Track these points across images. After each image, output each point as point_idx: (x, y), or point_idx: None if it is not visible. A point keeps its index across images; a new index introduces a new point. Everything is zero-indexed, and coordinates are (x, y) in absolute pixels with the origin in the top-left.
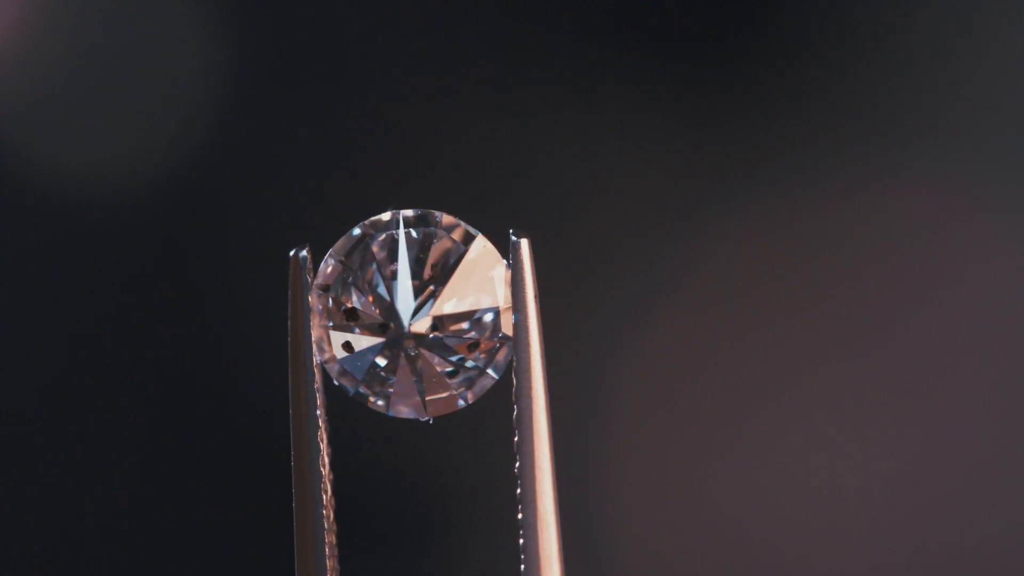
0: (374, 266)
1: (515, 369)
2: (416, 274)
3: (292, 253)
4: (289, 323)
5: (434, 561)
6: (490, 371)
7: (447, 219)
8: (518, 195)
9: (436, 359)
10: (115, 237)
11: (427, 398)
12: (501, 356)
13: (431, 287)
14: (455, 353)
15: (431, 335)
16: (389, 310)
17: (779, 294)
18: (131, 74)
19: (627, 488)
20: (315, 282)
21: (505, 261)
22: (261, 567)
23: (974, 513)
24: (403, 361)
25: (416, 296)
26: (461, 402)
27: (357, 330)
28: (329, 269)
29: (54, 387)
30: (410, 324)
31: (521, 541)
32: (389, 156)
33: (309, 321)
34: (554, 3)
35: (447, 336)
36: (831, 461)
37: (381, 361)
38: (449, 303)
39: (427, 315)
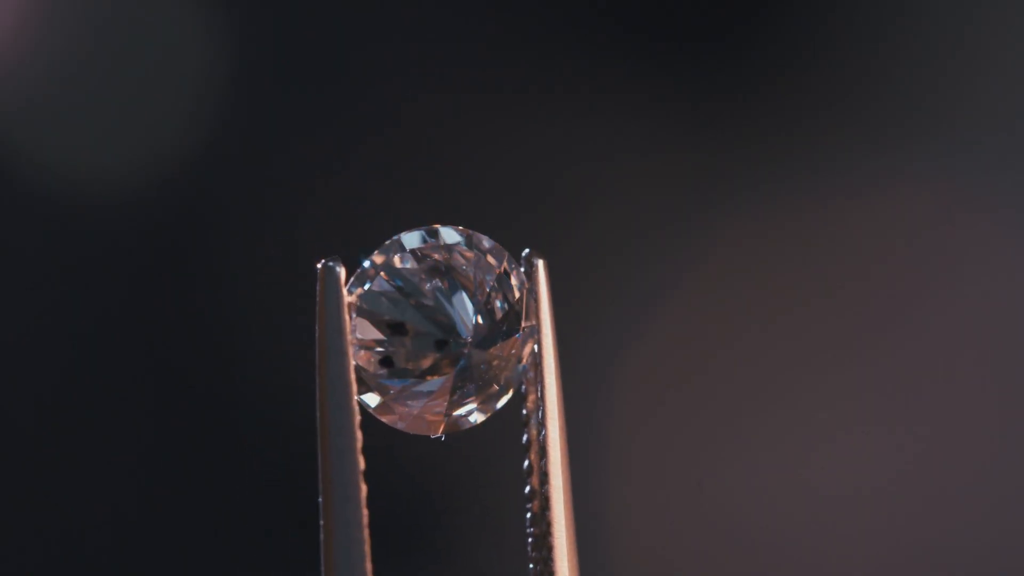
0: (426, 281)
1: (540, 390)
2: (471, 291)
3: (322, 264)
4: (321, 338)
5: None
6: (507, 390)
7: (485, 239)
8: (517, 196)
9: (479, 377)
10: (115, 237)
11: (452, 414)
12: (513, 376)
13: (486, 306)
14: (494, 372)
15: (483, 353)
16: (446, 326)
17: (779, 294)
18: (131, 74)
19: (627, 488)
20: (351, 294)
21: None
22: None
23: (974, 513)
24: (452, 377)
25: (474, 313)
26: (478, 418)
27: (403, 346)
28: (367, 283)
29: (54, 387)
30: (470, 341)
31: (533, 553)
32: (390, 157)
33: (346, 336)
34: (554, 3)
35: (495, 355)
36: (831, 461)
37: (428, 377)
38: (499, 322)
39: (483, 333)
